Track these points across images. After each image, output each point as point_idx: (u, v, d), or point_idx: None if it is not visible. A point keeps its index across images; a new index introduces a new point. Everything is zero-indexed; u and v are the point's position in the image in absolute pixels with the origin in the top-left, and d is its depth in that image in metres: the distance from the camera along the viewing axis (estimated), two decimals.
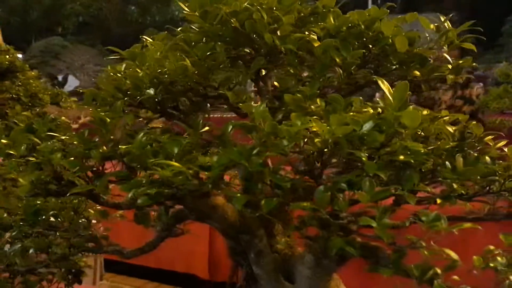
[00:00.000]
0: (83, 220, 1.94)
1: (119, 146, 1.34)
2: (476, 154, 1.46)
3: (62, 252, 2.01)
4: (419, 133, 1.37)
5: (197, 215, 1.84)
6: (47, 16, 25.99)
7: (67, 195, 1.39)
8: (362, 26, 1.59)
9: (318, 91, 1.38)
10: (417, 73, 1.59)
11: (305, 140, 1.21)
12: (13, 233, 1.93)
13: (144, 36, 1.54)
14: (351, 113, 1.23)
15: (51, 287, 2.60)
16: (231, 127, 1.38)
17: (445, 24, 1.68)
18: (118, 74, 1.77)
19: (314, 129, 1.21)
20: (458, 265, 1.37)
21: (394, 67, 1.62)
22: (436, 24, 1.67)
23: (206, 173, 1.21)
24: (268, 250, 1.89)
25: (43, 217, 1.73)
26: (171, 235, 2.24)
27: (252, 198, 1.21)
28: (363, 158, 1.20)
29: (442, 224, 1.15)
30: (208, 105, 1.79)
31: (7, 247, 2.00)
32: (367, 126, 1.22)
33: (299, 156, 1.24)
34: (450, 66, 1.59)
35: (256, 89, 1.74)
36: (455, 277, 1.38)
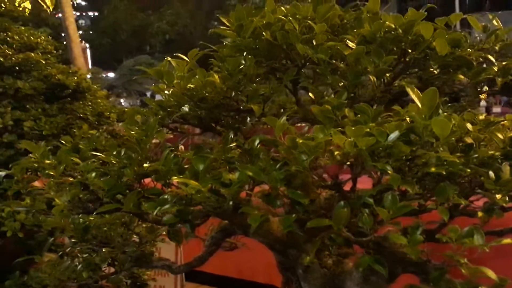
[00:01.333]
0: (135, 236, 1.98)
1: (145, 164, 1.35)
2: None
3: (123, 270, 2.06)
4: (458, 142, 1.27)
5: (243, 230, 1.82)
6: (136, 36, 27.18)
7: (94, 213, 1.41)
8: (399, 30, 1.50)
9: (346, 101, 1.32)
10: (461, 77, 1.49)
11: (326, 154, 1.15)
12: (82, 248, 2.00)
13: (168, 58, 1.55)
14: (372, 124, 1.16)
15: None
16: (258, 141, 1.35)
17: (494, 22, 1.56)
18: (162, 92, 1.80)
19: (337, 142, 1.15)
20: (506, 283, 1.26)
21: (436, 71, 1.52)
22: (483, 24, 1.55)
23: (224, 190, 1.18)
24: (317, 265, 1.84)
25: (93, 233, 1.78)
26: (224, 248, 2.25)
27: (266, 216, 1.17)
28: (389, 171, 1.13)
29: (475, 240, 1.05)
30: (248, 119, 1.77)
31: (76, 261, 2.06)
32: (392, 136, 1.15)
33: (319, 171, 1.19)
34: (496, 68, 1.47)
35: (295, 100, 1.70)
36: None
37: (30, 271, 2.67)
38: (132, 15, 26.38)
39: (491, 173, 1.26)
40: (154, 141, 1.57)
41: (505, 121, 1.55)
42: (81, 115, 2.94)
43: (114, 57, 25.43)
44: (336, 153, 1.13)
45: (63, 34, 13.27)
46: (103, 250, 1.76)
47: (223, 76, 1.48)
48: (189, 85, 1.48)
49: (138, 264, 1.92)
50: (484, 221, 1.44)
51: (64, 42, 12.30)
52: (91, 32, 27.98)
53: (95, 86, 3.27)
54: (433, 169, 1.16)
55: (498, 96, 14.37)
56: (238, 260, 5.64)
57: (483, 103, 10.69)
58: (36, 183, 2.52)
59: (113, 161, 1.51)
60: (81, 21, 27.05)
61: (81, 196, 1.48)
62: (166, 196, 1.29)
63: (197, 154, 1.34)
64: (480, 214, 1.22)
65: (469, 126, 1.41)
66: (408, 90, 1.20)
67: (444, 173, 1.15)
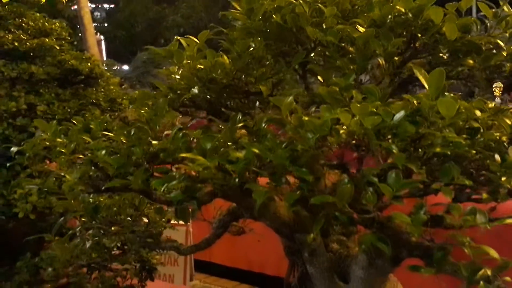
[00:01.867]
0: (143, 218, 2.00)
1: (155, 142, 1.37)
2: None
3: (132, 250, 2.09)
4: (464, 124, 1.27)
5: (250, 213, 1.84)
6: (151, 29, 27.22)
7: (102, 189, 1.43)
8: (409, 15, 1.51)
9: (354, 83, 1.33)
10: (471, 62, 1.49)
11: (332, 133, 1.17)
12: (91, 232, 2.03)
13: (179, 37, 1.56)
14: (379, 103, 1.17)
15: (125, 283, 2.73)
16: (265, 121, 1.36)
17: (505, 8, 1.56)
18: (172, 75, 1.82)
19: (342, 120, 1.17)
20: (510, 265, 1.26)
21: (446, 56, 1.52)
22: (494, 10, 1.55)
23: (230, 167, 1.20)
24: (323, 249, 1.85)
25: (102, 214, 1.81)
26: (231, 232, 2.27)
27: (271, 193, 1.19)
28: (394, 150, 1.14)
29: (477, 219, 1.06)
30: (257, 103, 1.78)
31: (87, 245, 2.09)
32: (398, 116, 1.15)
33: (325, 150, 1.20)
34: (505, 53, 1.47)
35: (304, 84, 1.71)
36: (507, 278, 1.27)
37: (41, 253, 2.71)
38: (147, 8, 26.46)
39: (496, 156, 1.27)
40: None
41: None
42: (93, 101, 2.97)
43: (128, 50, 25.52)
44: (341, 131, 1.14)
45: (78, 26, 13.35)
46: (112, 229, 1.78)
47: (232, 57, 1.49)
48: (198, 66, 1.49)
49: (146, 245, 1.95)
50: (490, 208, 1.45)
51: (80, 34, 12.41)
52: (106, 25, 28.11)
53: (108, 73, 3.30)
54: (438, 149, 1.16)
55: None
56: (248, 253, 5.68)
57: (498, 100, 10.61)
58: (48, 167, 2.56)
59: (123, 140, 1.53)
60: (96, 13, 27.19)
61: (91, 173, 1.50)
62: (173, 173, 1.31)
63: (205, 133, 1.36)
64: (484, 195, 1.23)
65: (477, 112, 1.41)
66: (415, 71, 1.21)
67: (449, 153, 1.16)
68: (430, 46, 1.53)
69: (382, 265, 1.68)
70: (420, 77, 1.19)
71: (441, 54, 1.54)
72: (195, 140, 1.42)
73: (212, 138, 1.33)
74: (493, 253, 1.12)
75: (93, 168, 1.48)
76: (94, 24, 14.57)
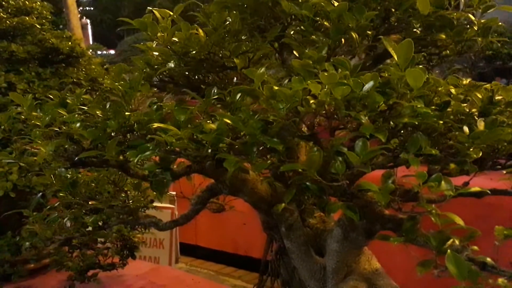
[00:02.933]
0: (122, 194, 2.01)
1: (128, 114, 1.37)
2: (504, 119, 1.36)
3: (110, 226, 2.09)
4: (433, 97, 1.29)
5: (228, 189, 1.86)
6: (138, 13, 26.88)
7: (77, 161, 1.44)
8: None
9: (326, 55, 1.34)
10: (443, 36, 1.51)
11: (302, 103, 1.18)
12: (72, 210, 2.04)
13: (153, 9, 1.56)
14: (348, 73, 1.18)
15: (106, 261, 2.74)
16: (239, 93, 1.37)
17: None
18: (150, 51, 1.82)
19: (313, 92, 1.18)
20: (478, 235, 1.29)
21: (418, 31, 1.54)
22: None
23: (202, 137, 1.21)
24: (299, 224, 1.88)
25: (80, 189, 1.81)
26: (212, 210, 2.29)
27: (242, 162, 1.20)
28: (363, 120, 1.15)
29: (440, 186, 1.08)
30: (235, 78, 1.79)
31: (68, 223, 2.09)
32: (367, 87, 1.17)
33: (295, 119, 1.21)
34: (476, 28, 1.49)
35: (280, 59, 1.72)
36: (475, 247, 1.29)
37: (22, 231, 2.71)
38: None
39: (465, 128, 1.29)
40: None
41: (487, 85, 1.58)
42: (74, 80, 2.96)
43: (115, 34, 25.28)
44: (311, 101, 1.15)
45: (64, 10, 13.18)
46: (90, 203, 1.78)
47: (207, 30, 1.49)
48: (173, 39, 1.50)
49: (126, 221, 1.96)
50: (464, 183, 1.48)
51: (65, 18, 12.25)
52: (92, 9, 27.80)
53: (93, 53, 3.28)
54: (406, 120, 1.18)
55: None
56: (233, 236, 5.72)
57: None
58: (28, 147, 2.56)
59: (98, 113, 1.54)
60: None
61: (66, 146, 1.50)
62: (147, 145, 1.32)
63: (179, 106, 1.37)
64: (452, 166, 1.25)
65: (451, 89, 1.44)
66: (385, 42, 1.22)
67: (417, 123, 1.18)
68: (404, 21, 1.55)
69: (356, 238, 1.71)
70: (389, 49, 1.20)
71: (414, 30, 1.56)
72: (168, 114, 1.43)
73: (186, 111, 1.34)
74: (459, 221, 1.15)
75: (68, 141, 1.48)
76: (79, 8, 14.40)
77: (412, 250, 1.41)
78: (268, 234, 2.06)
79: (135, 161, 1.30)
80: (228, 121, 1.21)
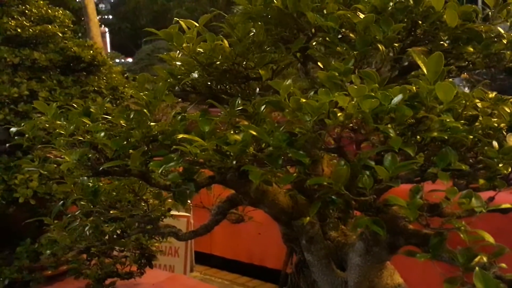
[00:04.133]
0: (143, 204, 2.00)
1: (153, 124, 1.37)
2: None
3: (130, 235, 2.09)
4: (463, 111, 1.27)
5: (249, 200, 1.85)
6: (155, 22, 27.17)
7: (101, 170, 1.43)
8: (410, 1, 1.51)
9: (353, 67, 1.33)
10: (471, 49, 1.49)
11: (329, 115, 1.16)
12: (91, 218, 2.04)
13: (180, 20, 1.56)
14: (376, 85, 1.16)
15: (124, 269, 2.74)
16: (264, 104, 1.37)
17: None
18: (173, 61, 1.82)
19: (340, 104, 1.17)
20: (506, 251, 1.26)
21: (446, 44, 1.52)
22: None
23: (227, 148, 1.20)
24: (320, 236, 1.86)
25: (101, 199, 1.81)
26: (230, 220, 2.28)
27: (267, 174, 1.19)
28: (391, 134, 1.14)
29: (472, 202, 1.06)
30: (258, 89, 1.79)
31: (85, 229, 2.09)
32: (396, 100, 1.15)
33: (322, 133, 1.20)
34: (505, 41, 1.47)
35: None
36: (503, 264, 1.27)
37: (41, 238, 2.73)
38: (152, 0, 26.40)
39: (494, 143, 1.27)
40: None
41: None
42: (95, 88, 2.97)
43: (133, 43, 25.49)
44: (339, 114, 1.14)
45: (83, 18, 13.33)
46: (111, 212, 1.78)
47: (232, 41, 1.49)
48: (198, 49, 1.50)
49: (145, 230, 1.95)
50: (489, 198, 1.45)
51: (84, 27, 12.40)
52: (110, 17, 28.09)
53: (111, 62, 3.30)
54: (435, 134, 1.16)
55: None
56: (249, 246, 5.70)
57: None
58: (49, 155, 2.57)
59: (122, 123, 1.54)
60: (101, 5, 27.13)
61: (89, 156, 1.51)
62: (171, 156, 1.32)
63: (204, 116, 1.36)
64: (481, 181, 1.23)
65: (477, 101, 1.42)
66: (414, 55, 1.20)
67: (446, 138, 1.16)
68: (430, 34, 1.53)
69: (379, 252, 1.69)
70: (419, 62, 1.19)
71: (441, 42, 1.54)
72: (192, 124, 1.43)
73: (211, 121, 1.34)
74: (489, 238, 1.12)
75: (92, 150, 1.48)
76: (98, 17, 14.54)
77: (431, 265, 1.39)
78: (288, 246, 2.04)
79: (159, 171, 1.29)
80: (254, 133, 1.20)
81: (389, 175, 1.08)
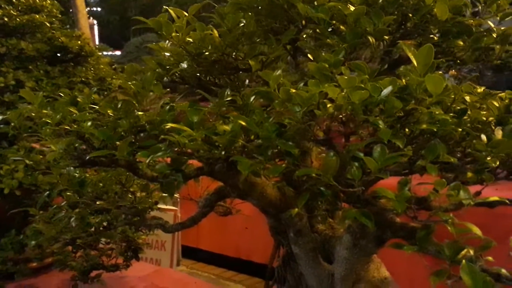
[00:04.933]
0: (129, 195, 1.99)
1: (140, 113, 1.36)
2: None
3: (117, 227, 2.07)
4: (452, 104, 1.27)
5: (237, 193, 1.84)
6: (144, 15, 26.86)
7: (87, 160, 1.42)
8: None
9: (343, 59, 1.32)
10: (460, 43, 1.49)
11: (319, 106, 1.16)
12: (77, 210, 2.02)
13: (169, 8, 1.54)
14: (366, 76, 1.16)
15: (110, 261, 2.72)
16: (253, 95, 1.36)
17: None
18: (161, 52, 1.80)
19: (330, 95, 1.16)
20: (493, 245, 1.27)
21: (436, 37, 1.52)
22: None
23: (215, 139, 1.19)
24: (308, 229, 1.85)
25: (88, 189, 1.80)
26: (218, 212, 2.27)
27: (256, 165, 1.18)
28: (380, 126, 1.13)
29: (460, 194, 1.06)
30: (247, 80, 1.77)
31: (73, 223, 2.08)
32: (385, 92, 1.15)
33: (312, 124, 1.19)
34: (495, 35, 1.47)
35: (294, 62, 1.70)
36: (490, 257, 1.27)
37: (26, 229, 2.70)
38: None
39: (483, 136, 1.27)
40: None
41: (502, 94, 1.56)
42: (83, 79, 2.95)
43: (121, 35, 25.31)
44: (329, 105, 1.13)
45: (71, 10, 13.19)
46: (97, 203, 1.76)
47: (222, 32, 1.48)
48: (187, 39, 1.48)
49: (132, 222, 1.94)
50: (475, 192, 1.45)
51: (72, 18, 12.28)
52: (99, 9, 27.86)
53: (99, 53, 3.27)
54: (424, 126, 1.16)
55: None
56: (236, 240, 5.69)
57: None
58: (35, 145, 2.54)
59: (110, 113, 1.52)
60: None
61: (76, 145, 1.49)
62: (159, 145, 1.30)
63: (192, 107, 1.35)
64: (469, 174, 1.23)
65: (466, 96, 1.42)
66: (404, 47, 1.20)
67: (435, 130, 1.16)
68: (420, 27, 1.53)
69: (366, 245, 1.69)
70: (409, 54, 1.18)
71: (431, 35, 1.54)
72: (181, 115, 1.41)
73: (199, 112, 1.32)
74: (476, 230, 1.13)
75: (78, 140, 1.46)
76: (87, 9, 14.42)
77: (417, 258, 1.39)
78: (275, 239, 2.03)
79: (147, 161, 1.28)
80: (243, 123, 1.19)
81: (378, 167, 1.08)
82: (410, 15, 1.51)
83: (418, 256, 1.50)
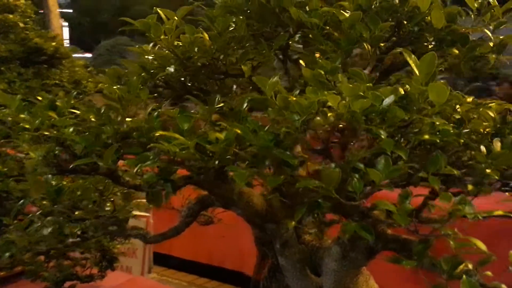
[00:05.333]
0: (108, 203, 1.90)
1: (129, 120, 1.29)
2: None
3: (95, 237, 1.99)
4: (452, 115, 1.24)
5: (222, 202, 1.78)
6: (116, 17, 26.74)
7: (69, 168, 1.34)
8: (396, 0, 1.47)
9: (340, 66, 1.28)
10: (456, 51, 1.46)
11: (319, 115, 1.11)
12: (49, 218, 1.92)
13: (157, 8, 1.47)
14: (367, 85, 1.11)
15: (84, 272, 2.62)
16: (246, 102, 1.30)
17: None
18: (145, 55, 1.73)
19: (330, 104, 1.11)
20: (493, 259, 1.23)
21: (431, 45, 1.49)
22: (479, 1, 1.52)
23: (209, 147, 1.13)
24: (294, 240, 1.80)
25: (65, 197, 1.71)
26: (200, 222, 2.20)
27: (253, 175, 1.13)
28: (382, 136, 1.09)
29: (466, 209, 1.02)
30: (235, 86, 1.72)
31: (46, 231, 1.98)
32: (387, 101, 1.11)
33: (311, 133, 1.14)
34: (492, 44, 1.45)
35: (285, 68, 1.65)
36: (488, 272, 1.24)
37: None
38: None
39: (482, 147, 1.24)
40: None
41: (492, 103, 1.53)
42: (57, 82, 2.85)
43: (92, 38, 24.99)
44: (329, 114, 1.08)
45: (41, 11, 12.93)
46: (76, 213, 1.68)
47: (212, 35, 1.42)
48: (176, 42, 1.42)
49: (111, 232, 1.86)
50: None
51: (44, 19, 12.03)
52: (71, 11, 27.47)
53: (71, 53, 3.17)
54: (426, 136, 1.12)
55: None
56: (208, 247, 5.61)
57: None
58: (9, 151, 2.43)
59: (92, 118, 1.45)
60: None
61: (56, 152, 1.41)
62: (147, 154, 1.23)
63: (182, 113, 1.28)
64: (470, 187, 1.19)
65: (458, 107, 1.39)
66: (405, 55, 1.16)
67: (438, 141, 1.12)
68: (414, 34, 1.50)
69: (355, 257, 1.65)
70: (410, 62, 1.14)
71: (425, 43, 1.51)
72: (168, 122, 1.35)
73: (190, 118, 1.26)
74: (481, 245, 1.09)
75: (58, 147, 1.38)
76: (58, 10, 14.17)
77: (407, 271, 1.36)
78: (260, 250, 1.98)
79: (135, 170, 1.21)
80: (238, 131, 1.13)
81: (383, 179, 1.03)
82: (405, 22, 1.48)
83: (409, 269, 1.47)
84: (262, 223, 1.81)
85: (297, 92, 1.25)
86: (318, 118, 1.07)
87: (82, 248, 2.48)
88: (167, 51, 1.59)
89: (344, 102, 1.08)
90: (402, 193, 1.13)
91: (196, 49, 1.42)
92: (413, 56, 1.17)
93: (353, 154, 1.13)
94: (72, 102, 1.64)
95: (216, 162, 1.17)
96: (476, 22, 1.55)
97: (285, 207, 1.65)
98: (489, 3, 1.52)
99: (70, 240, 1.85)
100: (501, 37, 1.49)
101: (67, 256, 2.59)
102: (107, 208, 1.84)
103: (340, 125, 1.11)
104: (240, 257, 5.45)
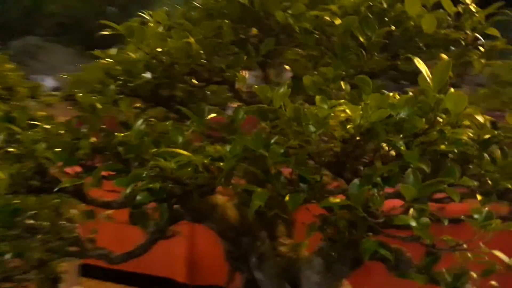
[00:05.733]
0: (64, 222, 1.74)
1: (115, 134, 1.15)
2: None
3: (39, 257, 1.80)
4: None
5: (194, 216, 1.67)
6: (27, 17, 25.50)
7: (54, 191, 1.19)
8: (385, 5, 1.42)
9: (343, 73, 1.21)
10: (445, 56, 1.43)
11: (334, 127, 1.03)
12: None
13: (146, 11, 1.34)
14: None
15: None
16: (242, 113, 1.20)
17: (471, 6, 1.52)
18: (109, 60, 1.58)
19: (343, 114, 1.04)
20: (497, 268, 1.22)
21: (419, 50, 1.45)
22: (462, 5, 1.51)
23: (217, 164, 1.03)
24: (271, 253, 1.73)
25: (21, 218, 1.53)
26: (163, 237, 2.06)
27: (272, 194, 1.04)
28: (401, 147, 1.03)
29: (496, 223, 0.98)
30: (208, 93, 1.62)
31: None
32: (405, 110, 1.05)
33: (326, 146, 1.06)
34: (482, 49, 1.44)
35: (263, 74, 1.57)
36: (493, 282, 1.22)
37: None
38: None
39: (486, 156, 1.22)
40: None
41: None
42: None
43: (0, 38, 23.62)
44: (348, 126, 1.01)
45: None
46: (38, 237, 1.51)
47: (199, 40, 1.31)
48: (158, 48, 1.29)
49: (72, 253, 1.69)
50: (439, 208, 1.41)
51: None
52: None
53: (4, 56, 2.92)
54: (443, 147, 1.08)
55: None
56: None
57: None
58: None
59: (63, 132, 1.29)
60: None
61: (24, 171, 1.24)
62: (140, 172, 1.10)
63: (175, 125, 1.17)
64: (479, 197, 1.16)
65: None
66: (416, 62, 1.11)
67: (456, 151, 1.08)
68: (402, 39, 1.46)
69: (340, 268, 1.60)
70: (423, 70, 1.09)
71: (414, 48, 1.47)
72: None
73: (183, 132, 1.15)
74: (503, 257, 1.06)
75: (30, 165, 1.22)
76: None
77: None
78: (231, 264, 1.87)
79: (127, 191, 1.07)
80: (248, 145, 1.04)
81: (415, 195, 0.97)
82: (393, 27, 1.43)
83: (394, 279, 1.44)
84: (236, 237, 1.73)
85: (300, 101, 1.17)
86: (337, 130, 0.99)
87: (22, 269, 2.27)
88: (136, 55, 1.45)
89: (361, 112, 1.01)
90: (419, 208, 1.07)
91: (182, 55, 1.30)
92: (422, 63, 1.12)
93: (368, 168, 1.07)
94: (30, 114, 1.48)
95: (223, 180, 1.06)
96: (464, 27, 1.53)
97: (259, 219, 1.57)
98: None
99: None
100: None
101: (7, 278, 2.37)
102: (68, 229, 1.67)
103: (358, 138, 1.04)
104: (168, 262, 5.28)
